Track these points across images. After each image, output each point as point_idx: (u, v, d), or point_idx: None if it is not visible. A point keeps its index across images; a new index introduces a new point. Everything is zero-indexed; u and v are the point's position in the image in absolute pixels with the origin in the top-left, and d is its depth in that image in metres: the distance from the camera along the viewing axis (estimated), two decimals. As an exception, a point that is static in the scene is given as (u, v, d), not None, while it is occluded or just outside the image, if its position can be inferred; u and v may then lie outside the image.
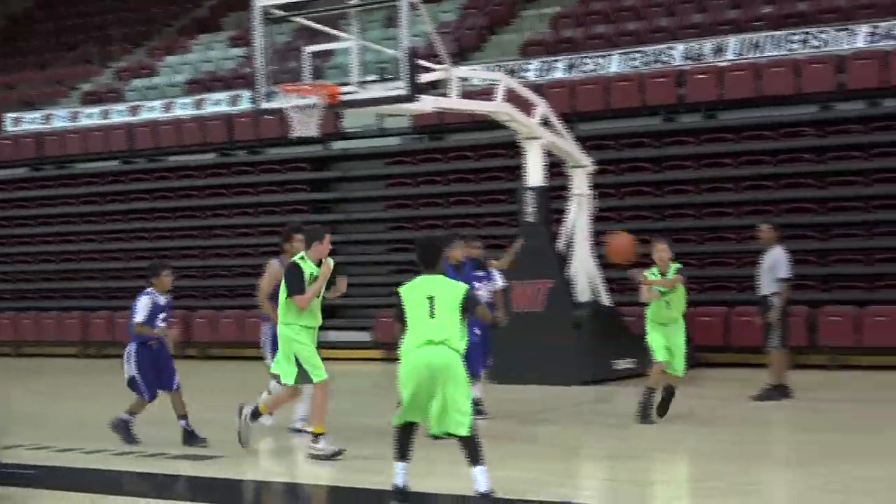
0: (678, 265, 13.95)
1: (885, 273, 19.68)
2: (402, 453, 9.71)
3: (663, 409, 14.00)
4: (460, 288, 9.81)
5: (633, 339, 19.26)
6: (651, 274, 13.88)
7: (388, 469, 9.71)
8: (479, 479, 9.50)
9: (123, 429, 13.40)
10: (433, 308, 9.57)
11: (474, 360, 13.00)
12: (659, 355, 13.83)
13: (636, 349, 18.91)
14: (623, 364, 18.57)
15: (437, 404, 9.49)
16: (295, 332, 11.94)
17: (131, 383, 13.36)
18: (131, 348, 13.35)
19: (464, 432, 9.45)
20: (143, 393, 13.30)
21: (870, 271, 19.82)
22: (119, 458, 13.16)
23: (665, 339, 13.89)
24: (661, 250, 13.91)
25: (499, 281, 14.87)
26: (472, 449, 9.57)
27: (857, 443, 12.92)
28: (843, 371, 18.74)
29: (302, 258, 12.08)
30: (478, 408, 13.47)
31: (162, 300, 13.35)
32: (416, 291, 9.69)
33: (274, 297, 12.81)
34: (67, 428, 15.51)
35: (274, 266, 13.62)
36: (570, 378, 17.57)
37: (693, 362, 15.18)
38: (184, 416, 13.27)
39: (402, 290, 9.76)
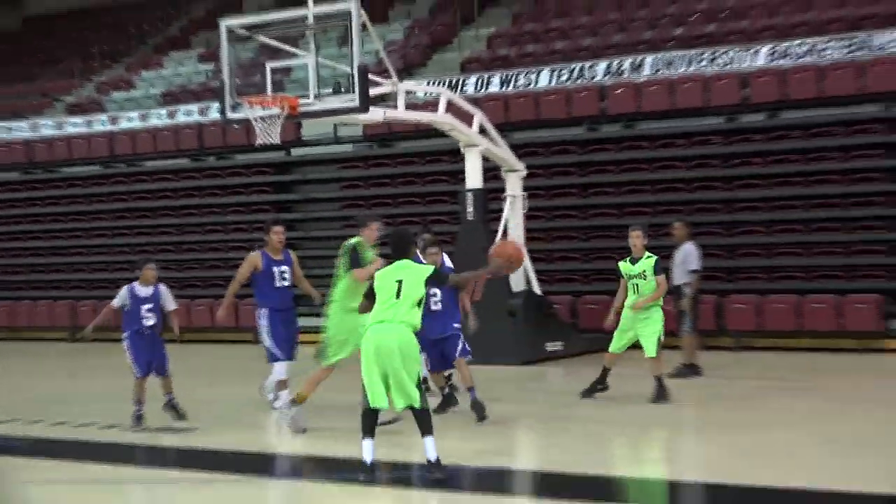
0: (655, 258, 13.76)
1: (783, 266, 19.76)
2: (368, 431, 9.72)
3: (592, 389, 14.00)
4: (427, 268, 10.00)
5: (561, 324, 19.33)
6: (624, 262, 13.82)
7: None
8: (429, 448, 9.60)
9: (137, 419, 13.16)
10: (400, 290, 9.65)
11: (452, 348, 12.92)
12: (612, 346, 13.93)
13: (564, 333, 19.02)
14: (552, 346, 18.56)
15: (391, 380, 9.55)
16: (338, 312, 12.04)
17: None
18: (126, 338, 13.18)
19: (414, 403, 9.57)
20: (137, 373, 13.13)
21: (770, 264, 19.88)
22: (105, 431, 13.08)
23: (629, 323, 13.75)
24: (635, 237, 13.79)
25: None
26: (422, 421, 9.64)
27: (756, 412, 13.00)
28: (747, 352, 18.80)
29: (359, 242, 12.32)
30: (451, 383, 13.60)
31: (143, 292, 13.16)
32: (387, 276, 9.81)
33: (251, 284, 13.37)
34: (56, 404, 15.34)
35: (253, 256, 13.42)
36: (509, 359, 17.52)
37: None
38: (170, 394, 13.30)
39: (377, 274, 9.97)
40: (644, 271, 13.61)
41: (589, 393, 14.00)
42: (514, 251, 10.85)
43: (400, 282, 9.71)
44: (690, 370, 15.86)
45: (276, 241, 13.32)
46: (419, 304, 9.75)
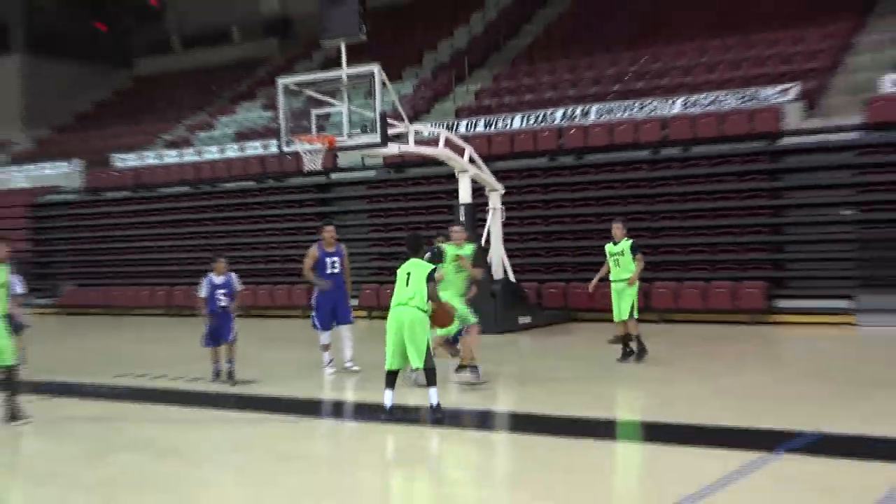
0: (631, 241, 13.69)
1: (694, 260, 19.68)
2: (389, 385, 9.99)
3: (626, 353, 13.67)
4: (428, 266, 10.09)
5: (530, 304, 19.24)
6: (608, 245, 13.77)
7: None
8: (432, 396, 9.87)
9: (215, 374, 13.03)
10: (409, 280, 9.89)
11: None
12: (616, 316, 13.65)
13: (532, 311, 18.94)
14: (523, 320, 18.48)
15: (409, 347, 9.76)
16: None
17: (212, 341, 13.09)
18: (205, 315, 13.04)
19: (420, 365, 9.84)
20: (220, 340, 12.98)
21: (684, 259, 19.79)
22: (191, 383, 12.96)
23: (616, 296, 13.59)
24: (616, 228, 13.77)
25: None
26: (428, 375, 9.89)
27: (671, 368, 12.91)
28: (667, 324, 18.73)
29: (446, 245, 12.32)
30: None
31: (217, 280, 13.08)
32: (403, 269, 10.03)
33: (314, 269, 13.30)
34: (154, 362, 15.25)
35: (312, 248, 13.48)
36: (490, 330, 17.41)
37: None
38: (230, 361, 12.99)
39: (399, 269, 10.11)
40: (623, 250, 13.56)
41: (625, 357, 13.60)
42: (445, 316, 10.64)
43: (409, 274, 9.94)
44: (627, 340, 15.74)
45: (328, 237, 13.41)
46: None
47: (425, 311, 9.89)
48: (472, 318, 12.06)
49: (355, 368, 13.34)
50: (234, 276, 13.22)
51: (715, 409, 10.18)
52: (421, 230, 21.96)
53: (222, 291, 13.01)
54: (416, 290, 9.84)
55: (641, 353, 13.55)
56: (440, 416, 9.80)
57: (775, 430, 9.02)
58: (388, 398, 9.93)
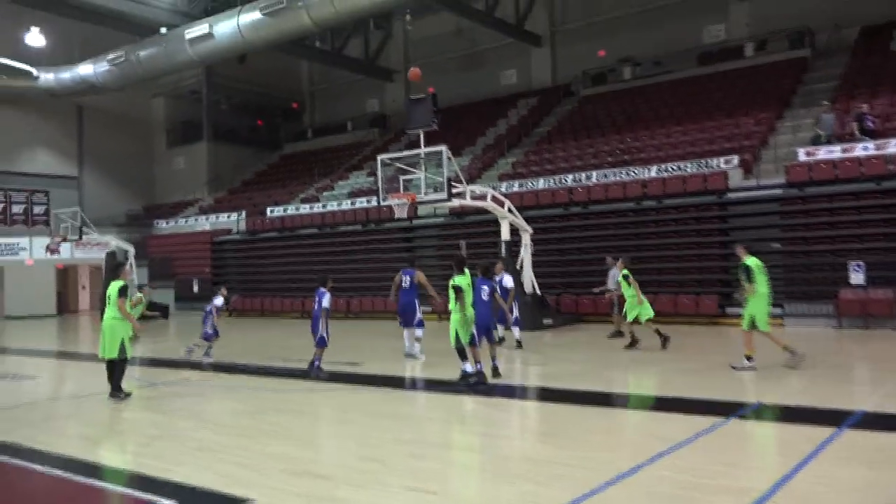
0: (625, 272, 13.48)
1: (666, 280, 19.17)
2: (464, 357, 10.35)
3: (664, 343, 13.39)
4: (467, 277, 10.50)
5: (551, 309, 18.90)
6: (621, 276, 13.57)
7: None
8: (467, 366, 10.30)
9: (317, 368, 11.65)
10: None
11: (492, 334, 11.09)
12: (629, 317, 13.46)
13: (553, 315, 18.59)
14: (546, 322, 18.14)
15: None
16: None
17: (321, 341, 11.70)
18: (320, 321, 11.68)
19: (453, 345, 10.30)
20: (325, 343, 11.67)
21: (659, 279, 19.29)
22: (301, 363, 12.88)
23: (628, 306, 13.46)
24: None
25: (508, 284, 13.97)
26: (460, 353, 10.33)
27: (649, 355, 12.52)
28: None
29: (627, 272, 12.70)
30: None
31: (319, 293, 13.08)
32: (466, 282, 10.35)
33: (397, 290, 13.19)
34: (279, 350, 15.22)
35: (398, 274, 13.45)
36: (525, 328, 17.11)
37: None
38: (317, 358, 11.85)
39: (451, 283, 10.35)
40: (619, 279, 13.71)
41: (665, 344, 13.26)
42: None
43: (455, 287, 10.25)
44: (619, 335, 15.44)
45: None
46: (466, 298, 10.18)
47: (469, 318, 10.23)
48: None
49: (420, 357, 12.91)
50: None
51: (684, 385, 9.81)
52: (478, 258, 21.79)
53: (317, 301, 12.17)
54: (458, 299, 10.18)
55: (633, 343, 13.27)
56: (474, 382, 10.05)
57: (729, 401, 8.63)
58: (467, 366, 10.24)
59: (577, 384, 10.19)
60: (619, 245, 20.14)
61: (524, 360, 12.25)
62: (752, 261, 10.73)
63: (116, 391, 10.05)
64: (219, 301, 13.41)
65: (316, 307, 11.80)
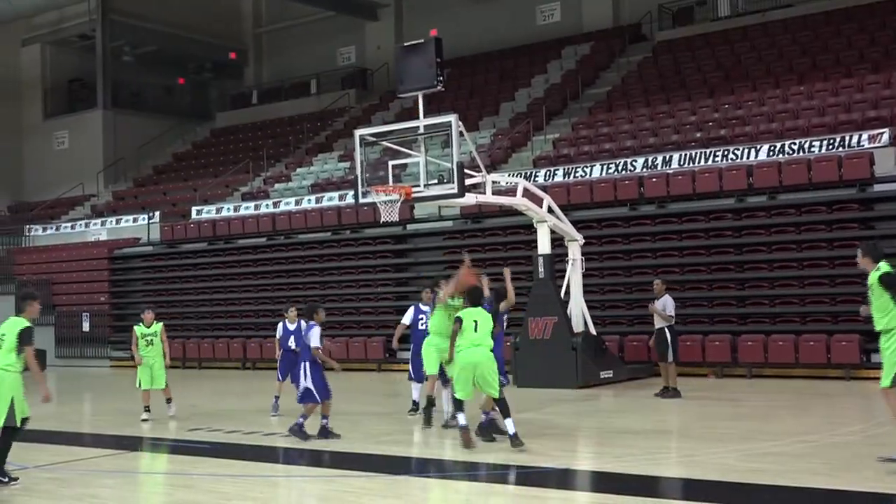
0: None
1: (783, 312, 19.31)
2: (459, 409, 11.40)
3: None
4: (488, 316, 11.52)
5: (611, 357, 18.97)
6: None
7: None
8: (509, 426, 11.02)
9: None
10: (477, 326, 11.25)
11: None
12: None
13: (613, 364, 18.66)
14: (604, 374, 18.21)
15: (478, 380, 11.18)
16: None
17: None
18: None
19: (496, 395, 11.20)
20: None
21: (772, 311, 19.43)
22: (268, 437, 12.94)
23: None
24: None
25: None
26: (503, 406, 11.15)
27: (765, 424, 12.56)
28: (757, 379, 18.28)
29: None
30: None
31: (290, 326, 14.03)
32: (468, 317, 11.32)
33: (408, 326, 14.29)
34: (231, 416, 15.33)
35: (409, 311, 14.52)
36: (570, 383, 17.23)
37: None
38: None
39: (460, 315, 11.43)
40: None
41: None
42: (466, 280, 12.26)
43: (476, 321, 11.29)
44: (673, 392, 15.75)
45: (425, 297, 14.30)
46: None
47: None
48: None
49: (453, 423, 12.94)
50: (303, 323, 13.61)
51: (805, 470, 9.83)
52: (500, 280, 21.94)
53: (291, 337, 14.34)
54: (484, 335, 11.26)
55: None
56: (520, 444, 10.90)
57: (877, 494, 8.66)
58: (461, 418, 11.35)
59: (647, 468, 10.22)
60: (711, 262, 20.23)
61: (570, 430, 12.27)
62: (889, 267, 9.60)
63: (-1, 475, 10.11)
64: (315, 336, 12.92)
65: (299, 347, 12.68)
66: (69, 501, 9.85)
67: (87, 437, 14.09)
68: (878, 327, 9.56)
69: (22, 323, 10.21)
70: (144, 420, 15.04)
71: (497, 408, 11.35)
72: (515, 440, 10.89)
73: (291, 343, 14.64)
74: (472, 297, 11.57)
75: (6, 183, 40.34)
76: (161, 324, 15.53)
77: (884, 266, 9.65)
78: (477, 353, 11.15)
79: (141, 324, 15.45)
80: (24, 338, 10.10)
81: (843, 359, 17.89)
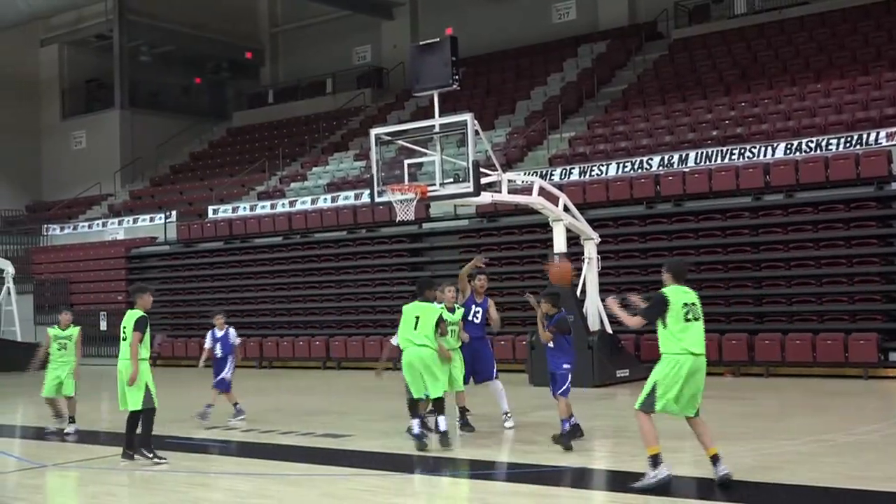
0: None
1: (800, 311, 19.21)
2: (414, 414, 11.42)
3: None
4: (437, 310, 11.62)
5: (627, 356, 18.93)
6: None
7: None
8: (441, 423, 11.28)
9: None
10: (417, 323, 11.32)
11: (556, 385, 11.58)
12: None
13: (629, 362, 18.61)
14: (621, 373, 18.17)
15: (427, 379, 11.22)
16: None
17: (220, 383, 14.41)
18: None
19: (437, 395, 11.31)
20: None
21: (789, 310, 19.35)
22: (284, 436, 12.96)
23: None
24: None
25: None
26: (438, 405, 11.30)
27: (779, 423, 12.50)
28: (773, 378, 18.20)
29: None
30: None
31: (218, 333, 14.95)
32: (410, 311, 11.50)
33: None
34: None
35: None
36: (586, 382, 17.18)
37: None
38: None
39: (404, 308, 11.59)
40: None
41: None
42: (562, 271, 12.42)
43: (417, 317, 11.33)
44: None
45: (479, 286, 13.26)
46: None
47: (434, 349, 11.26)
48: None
49: (508, 425, 12.75)
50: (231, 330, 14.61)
51: (824, 469, 9.77)
52: (515, 279, 21.93)
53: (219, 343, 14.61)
54: (423, 331, 11.17)
55: None
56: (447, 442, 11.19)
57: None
58: (415, 426, 11.38)
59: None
60: (728, 261, 20.14)
61: (584, 431, 12.23)
62: None
63: None
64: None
65: (224, 353, 14.44)
66: (86, 499, 9.92)
67: (104, 435, 14.11)
68: None
69: (137, 314, 11.51)
70: (62, 432, 14.02)
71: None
72: (444, 439, 11.18)
73: (218, 350, 14.69)
74: (420, 288, 11.64)
75: (25, 183, 40.55)
76: (78, 328, 14.59)
77: None
78: (417, 353, 11.14)
79: (56, 326, 14.55)
80: (138, 325, 11.39)
81: (860, 357, 17.78)
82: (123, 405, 11.34)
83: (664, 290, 9.15)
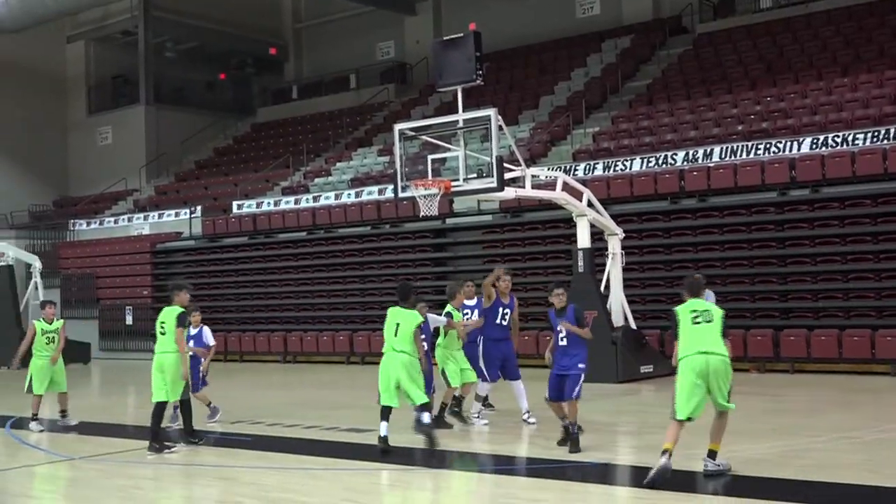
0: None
1: (827, 307, 19.08)
2: (385, 418, 11.19)
3: None
4: (416, 318, 11.69)
5: (651, 351, 18.86)
6: None
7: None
8: (424, 417, 11.22)
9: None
10: (397, 329, 11.49)
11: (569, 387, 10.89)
12: None
13: (654, 358, 18.54)
14: (645, 369, 18.12)
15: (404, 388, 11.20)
16: None
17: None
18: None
19: (421, 401, 11.21)
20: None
21: (815, 306, 19.22)
22: (308, 430, 12.98)
23: None
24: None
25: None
26: (385, 412, 11.22)
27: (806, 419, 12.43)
28: (799, 374, 18.09)
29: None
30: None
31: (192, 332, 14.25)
32: (392, 316, 11.69)
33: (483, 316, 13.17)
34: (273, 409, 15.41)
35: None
36: (610, 378, 17.14)
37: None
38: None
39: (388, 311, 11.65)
40: None
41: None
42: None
43: (398, 324, 11.46)
44: None
45: (504, 286, 13.13)
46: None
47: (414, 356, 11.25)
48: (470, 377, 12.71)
49: (532, 420, 12.68)
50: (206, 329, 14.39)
51: (850, 466, 9.69)
52: (534, 277, 21.90)
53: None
54: (402, 339, 11.24)
55: None
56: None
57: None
58: (383, 428, 11.12)
59: (690, 462, 10.14)
60: (754, 256, 20.03)
61: (608, 427, 12.18)
62: None
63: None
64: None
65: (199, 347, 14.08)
66: (112, 492, 9.98)
67: (130, 428, 14.21)
68: None
69: (177, 310, 11.93)
70: (41, 431, 13.91)
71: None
72: (424, 428, 11.24)
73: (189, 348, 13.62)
74: (401, 293, 11.81)
75: (51, 178, 40.84)
76: (63, 321, 14.47)
77: None
78: (396, 359, 11.21)
79: (41, 319, 14.26)
80: (180, 321, 11.83)
81: (888, 354, 17.65)
82: (163, 397, 11.87)
83: (677, 307, 9.45)
